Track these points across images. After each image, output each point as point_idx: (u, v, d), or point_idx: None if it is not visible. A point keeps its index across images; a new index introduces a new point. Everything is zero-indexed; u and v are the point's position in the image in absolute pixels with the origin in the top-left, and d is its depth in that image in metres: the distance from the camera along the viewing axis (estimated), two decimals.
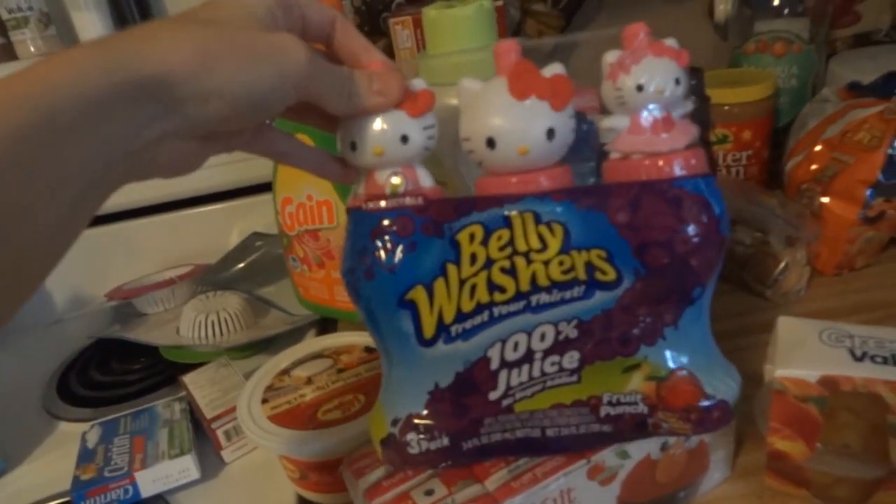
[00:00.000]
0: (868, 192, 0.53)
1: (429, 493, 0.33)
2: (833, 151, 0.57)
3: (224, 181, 0.77)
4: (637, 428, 0.34)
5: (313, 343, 0.49)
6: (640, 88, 0.30)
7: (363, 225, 0.31)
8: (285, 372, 0.46)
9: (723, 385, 0.33)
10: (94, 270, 0.77)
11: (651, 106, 0.31)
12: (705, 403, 0.33)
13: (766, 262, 0.56)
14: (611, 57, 0.31)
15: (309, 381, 0.45)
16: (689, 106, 0.32)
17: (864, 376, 0.32)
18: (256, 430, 0.41)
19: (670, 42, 0.31)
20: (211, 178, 0.76)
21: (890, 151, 0.52)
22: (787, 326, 0.37)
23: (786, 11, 0.70)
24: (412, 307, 0.31)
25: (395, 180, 0.31)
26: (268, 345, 0.62)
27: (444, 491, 0.33)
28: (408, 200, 0.31)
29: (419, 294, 0.31)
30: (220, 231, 0.79)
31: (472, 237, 0.31)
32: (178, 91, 0.23)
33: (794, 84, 0.71)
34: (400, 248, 0.30)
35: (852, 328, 0.36)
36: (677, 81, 0.31)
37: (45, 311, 0.78)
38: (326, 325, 0.64)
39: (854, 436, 0.34)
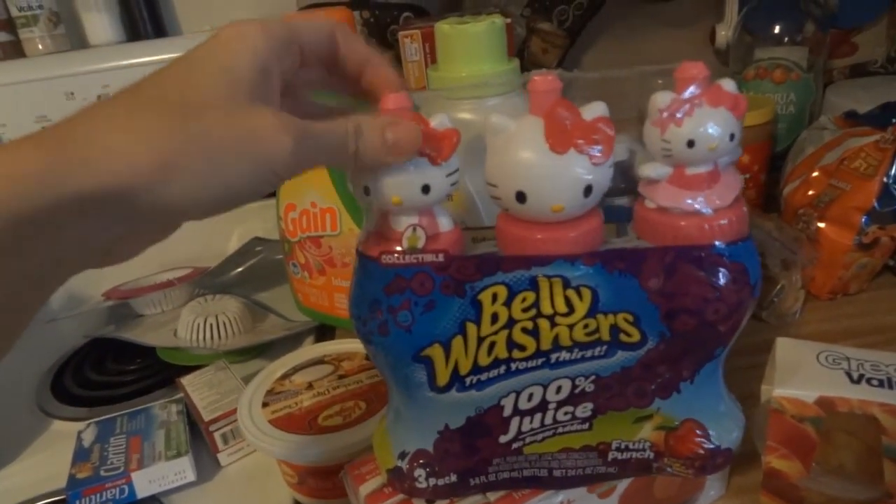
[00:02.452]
0: (863, 219, 0.54)
1: (430, 501, 0.34)
2: (830, 178, 0.58)
3: None
4: (641, 471, 0.34)
5: (314, 349, 0.50)
6: (691, 144, 0.27)
7: (377, 278, 0.29)
8: (286, 376, 0.46)
9: (729, 435, 0.34)
10: (91, 270, 0.77)
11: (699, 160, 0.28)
12: (710, 452, 0.33)
13: (763, 284, 0.56)
14: (661, 101, 0.28)
15: (310, 386, 0.45)
16: (738, 153, 0.30)
17: (861, 398, 0.33)
18: (257, 433, 0.41)
19: (728, 86, 0.28)
20: None
21: (885, 180, 0.54)
22: (785, 348, 0.38)
23: (785, 40, 0.71)
24: (427, 362, 0.30)
25: (414, 234, 0.28)
26: (265, 349, 0.62)
27: (446, 500, 0.34)
28: (427, 257, 0.28)
29: (435, 351, 0.29)
30: (220, 234, 0.79)
31: (494, 297, 0.29)
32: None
33: (792, 111, 0.73)
34: (417, 307, 0.29)
35: (849, 351, 0.37)
36: (732, 137, 0.28)
37: (41, 310, 0.78)
38: (325, 331, 0.64)
39: (849, 457, 0.34)
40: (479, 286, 0.29)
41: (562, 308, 0.29)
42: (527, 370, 0.30)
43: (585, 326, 0.29)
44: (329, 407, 0.42)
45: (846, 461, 0.34)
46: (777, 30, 0.71)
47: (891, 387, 0.34)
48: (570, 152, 0.26)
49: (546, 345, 0.29)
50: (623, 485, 0.35)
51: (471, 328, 0.29)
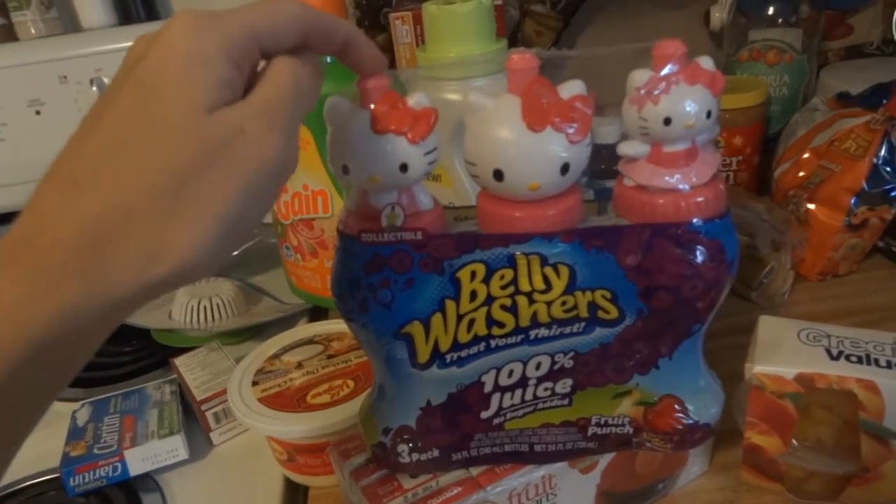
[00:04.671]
0: (853, 200, 0.54)
1: (414, 475, 0.34)
2: (820, 159, 0.58)
3: None
4: (621, 445, 0.35)
5: (304, 329, 0.50)
6: (668, 122, 0.28)
7: (357, 257, 0.29)
8: (276, 356, 0.47)
9: (707, 410, 0.34)
10: None
11: (677, 138, 0.28)
12: (689, 427, 0.34)
13: (753, 265, 0.57)
14: (639, 78, 0.28)
15: (299, 365, 0.45)
16: (715, 130, 0.30)
17: (839, 374, 0.34)
18: (246, 410, 0.41)
19: (706, 64, 0.28)
20: None
21: (875, 161, 0.54)
22: (767, 325, 0.39)
23: (780, 21, 0.71)
24: (407, 339, 0.30)
25: (393, 212, 0.29)
26: (259, 331, 0.63)
27: (429, 475, 0.34)
28: (406, 235, 0.28)
29: (415, 328, 0.30)
30: None
31: (473, 275, 0.29)
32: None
33: (786, 92, 0.73)
34: (396, 284, 0.29)
35: (830, 328, 0.37)
36: (709, 114, 0.28)
37: None
38: (318, 313, 0.65)
39: (827, 432, 0.35)
40: (457, 264, 0.29)
41: (539, 285, 0.29)
42: (506, 347, 0.31)
43: (563, 303, 0.29)
44: (317, 385, 0.43)
45: (824, 436, 0.35)
46: (771, 11, 0.71)
47: (869, 363, 0.34)
48: (547, 130, 0.26)
49: (525, 322, 0.30)
50: (605, 460, 0.36)
51: (450, 305, 0.29)
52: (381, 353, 0.31)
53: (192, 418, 0.50)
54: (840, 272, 0.59)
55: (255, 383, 0.44)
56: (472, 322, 0.30)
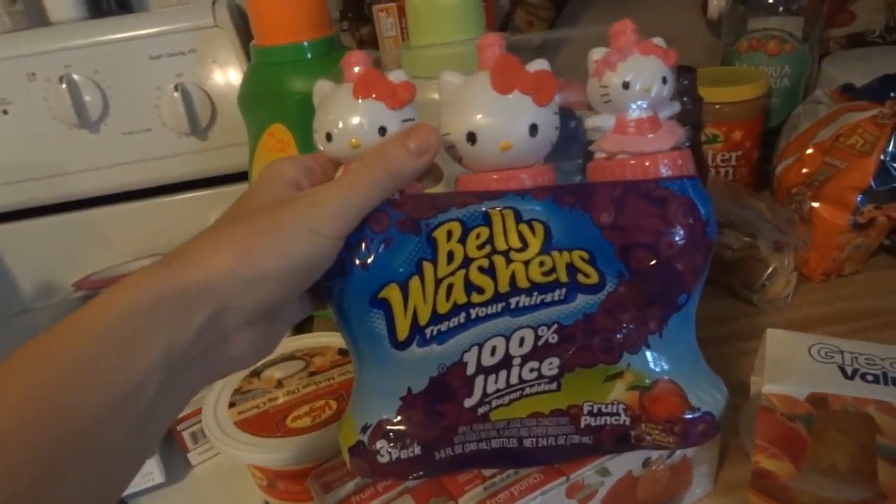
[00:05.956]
0: (859, 199, 0.52)
1: (396, 478, 0.32)
2: (825, 156, 0.55)
3: (200, 169, 0.74)
4: (618, 440, 0.32)
5: (286, 343, 0.48)
6: (626, 86, 0.30)
7: None
8: (255, 373, 0.44)
9: (708, 397, 0.32)
10: (63, 259, 0.74)
11: (637, 104, 0.30)
12: (690, 416, 0.31)
13: (754, 266, 0.55)
14: (597, 54, 0.31)
15: (279, 384, 0.43)
16: (676, 107, 0.32)
17: (855, 395, 0.31)
18: (222, 436, 0.39)
19: (658, 41, 0.30)
20: (187, 165, 0.73)
21: (882, 157, 0.51)
22: (775, 340, 0.36)
23: (780, 9, 0.68)
24: (385, 306, 0.30)
25: None
26: None
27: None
28: None
29: (393, 293, 0.29)
30: (195, 220, 0.75)
31: (449, 234, 0.30)
32: (222, 288, 0.25)
33: (787, 84, 0.70)
34: (374, 243, 0.29)
35: (843, 343, 0.35)
36: (664, 80, 0.30)
37: (11, 301, 0.75)
38: (302, 324, 0.62)
39: (842, 456, 0.33)
40: (433, 223, 0.30)
41: (515, 243, 0.30)
42: (487, 317, 0.30)
43: (541, 264, 0.30)
44: (298, 407, 0.40)
45: (839, 461, 0.33)
46: None
47: (886, 382, 0.32)
48: (515, 93, 0.29)
49: (504, 286, 0.30)
50: (605, 488, 0.34)
51: (427, 268, 0.29)
52: (358, 329, 0.30)
53: (168, 437, 0.48)
54: (844, 272, 0.57)
55: (232, 404, 0.41)
56: (450, 288, 0.30)
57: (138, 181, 0.75)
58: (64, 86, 0.64)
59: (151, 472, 0.44)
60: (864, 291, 0.55)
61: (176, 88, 0.64)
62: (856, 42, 0.81)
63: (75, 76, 0.65)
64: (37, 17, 0.71)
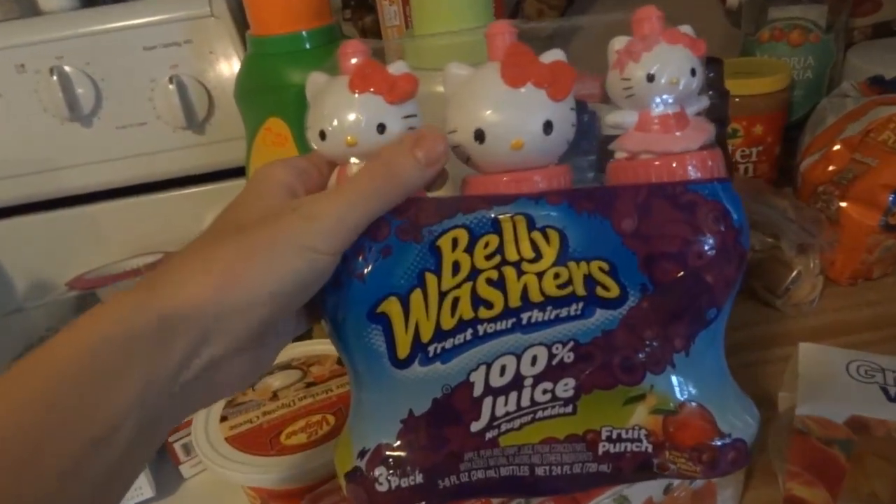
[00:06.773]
0: (891, 198, 0.49)
1: None
2: (853, 152, 0.52)
3: (197, 164, 0.72)
4: (639, 469, 0.30)
5: (282, 351, 0.45)
6: (650, 78, 0.27)
7: None
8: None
9: (739, 422, 0.29)
10: (56, 257, 0.72)
11: (663, 99, 0.27)
12: (719, 442, 0.29)
13: (777, 269, 0.52)
14: (618, 44, 0.28)
15: (274, 396, 0.40)
16: (704, 102, 0.29)
17: None
18: (212, 454, 0.36)
19: (686, 29, 0.28)
20: (183, 160, 0.71)
21: None
22: (809, 355, 0.33)
23: None
24: (384, 322, 0.27)
25: None
26: None
27: None
28: None
29: (392, 306, 0.27)
30: (191, 217, 0.73)
31: (454, 243, 0.27)
32: (207, 316, 0.23)
33: (810, 76, 0.67)
34: (372, 253, 0.27)
35: (883, 360, 0.32)
36: (693, 72, 0.27)
37: (2, 301, 0.73)
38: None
39: (883, 485, 0.30)
40: (437, 230, 0.27)
41: (528, 253, 0.27)
42: (496, 334, 0.28)
43: (556, 276, 0.27)
44: (294, 422, 0.38)
45: (879, 490, 0.30)
46: None
47: None
48: (528, 86, 0.26)
49: (515, 300, 0.27)
50: None
51: (430, 280, 0.27)
52: (355, 346, 0.28)
53: (159, 450, 0.45)
54: (873, 276, 0.54)
55: (224, 418, 0.39)
56: (455, 302, 0.27)
57: (133, 177, 0.73)
58: (55, 78, 0.62)
59: (141, 486, 0.42)
60: (894, 296, 0.53)
61: (171, 80, 0.61)
62: (882, 32, 0.77)
63: (66, 68, 0.63)
64: (27, 7, 0.69)
